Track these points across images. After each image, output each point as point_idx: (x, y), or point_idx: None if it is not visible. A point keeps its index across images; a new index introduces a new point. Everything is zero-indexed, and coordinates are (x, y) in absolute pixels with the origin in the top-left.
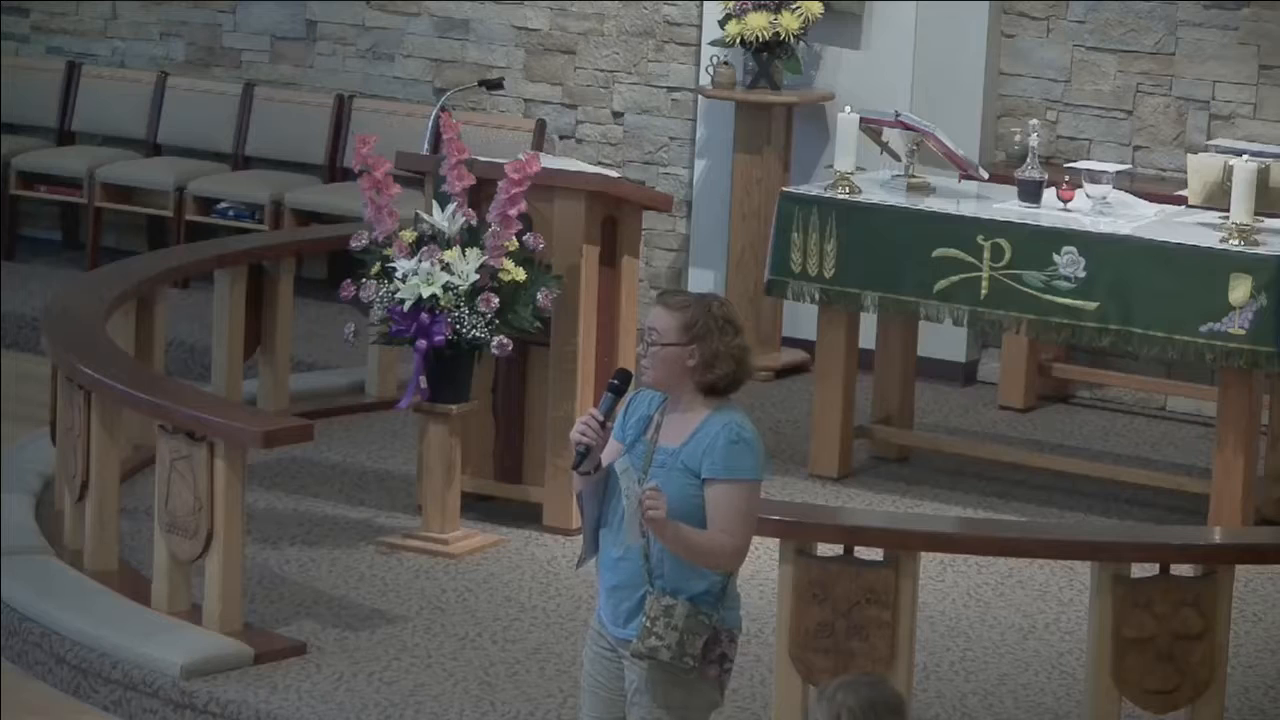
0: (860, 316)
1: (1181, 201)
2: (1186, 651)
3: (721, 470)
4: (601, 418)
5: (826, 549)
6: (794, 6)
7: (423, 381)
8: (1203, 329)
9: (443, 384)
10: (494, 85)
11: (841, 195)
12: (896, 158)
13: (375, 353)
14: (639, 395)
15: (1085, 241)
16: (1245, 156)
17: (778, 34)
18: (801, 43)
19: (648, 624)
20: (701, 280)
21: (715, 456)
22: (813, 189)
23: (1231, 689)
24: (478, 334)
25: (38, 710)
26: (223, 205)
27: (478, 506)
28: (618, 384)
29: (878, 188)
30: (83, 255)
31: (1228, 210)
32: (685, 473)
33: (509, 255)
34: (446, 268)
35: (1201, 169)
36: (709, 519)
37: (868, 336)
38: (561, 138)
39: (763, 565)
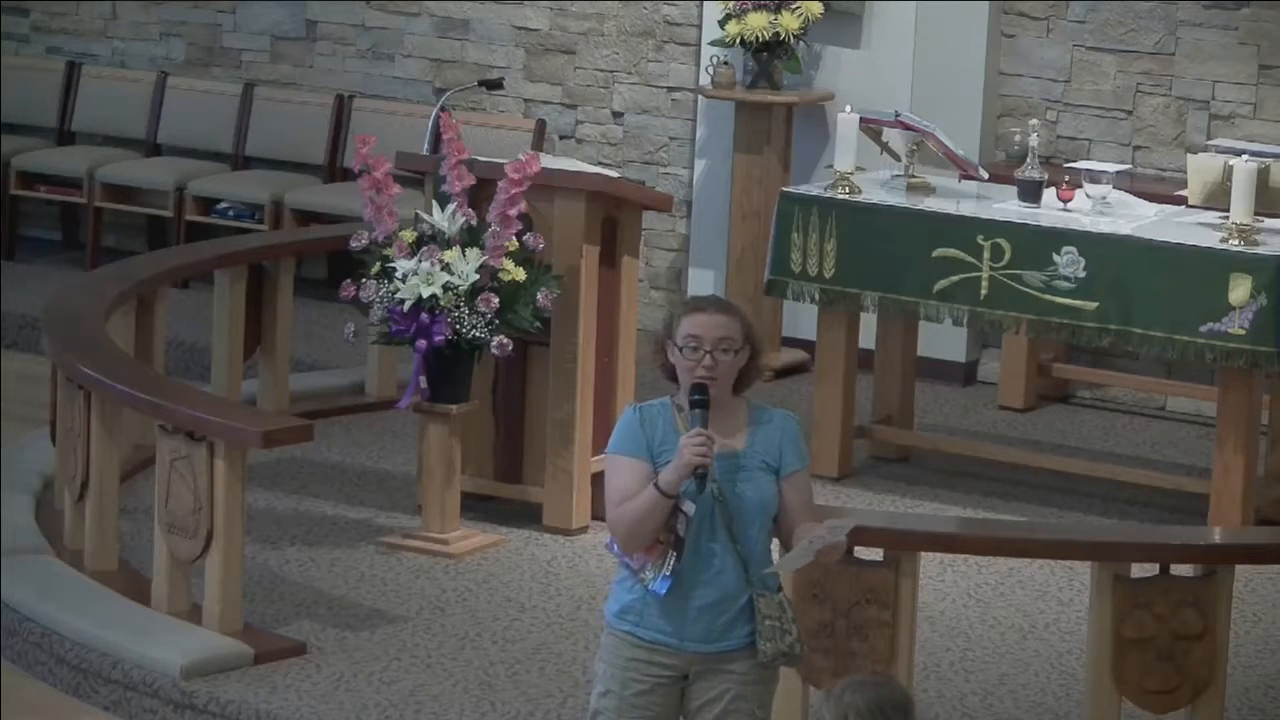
0: (860, 316)
1: (1181, 201)
2: (1186, 651)
3: (800, 460)
4: (711, 434)
5: None
6: (794, 6)
7: (423, 381)
8: (1203, 329)
9: (443, 384)
10: (494, 85)
11: (841, 195)
12: (896, 158)
13: (375, 353)
14: (649, 409)
15: (1085, 241)
16: (1245, 156)
17: (778, 34)
18: (801, 43)
19: (775, 625)
20: (701, 280)
21: (792, 448)
22: (813, 189)
23: (1231, 689)
24: (478, 334)
25: (38, 710)
26: (223, 205)
27: (478, 506)
28: (701, 398)
29: (878, 188)
30: (83, 255)
31: (1228, 210)
32: (766, 471)
33: (509, 255)
34: (446, 268)
35: (1201, 169)
36: (801, 507)
37: (868, 336)
38: (561, 138)
39: None
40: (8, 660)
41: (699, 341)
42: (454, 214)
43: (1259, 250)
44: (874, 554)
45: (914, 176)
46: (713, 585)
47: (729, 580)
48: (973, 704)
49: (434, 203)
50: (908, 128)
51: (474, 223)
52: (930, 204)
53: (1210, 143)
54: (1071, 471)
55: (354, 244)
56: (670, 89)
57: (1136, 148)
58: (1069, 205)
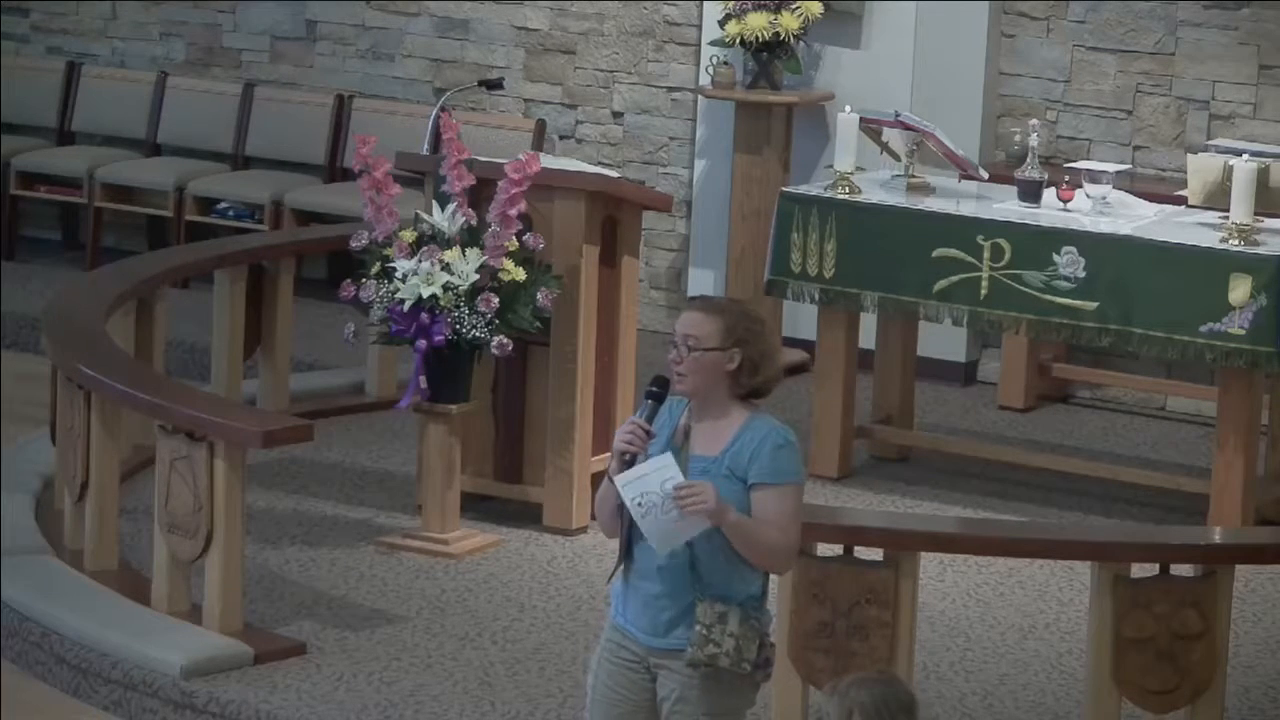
0: (860, 316)
1: (1181, 201)
2: (1186, 651)
3: (770, 475)
4: (647, 425)
5: (826, 549)
6: (794, 6)
7: (423, 381)
8: (1203, 329)
9: (443, 384)
10: (494, 85)
11: (841, 195)
12: (896, 158)
13: (375, 353)
14: (669, 403)
15: (1085, 241)
16: (1245, 156)
17: (778, 34)
18: (801, 43)
19: (704, 632)
20: (701, 280)
21: (763, 462)
22: (813, 189)
23: (1231, 689)
24: (478, 334)
25: (38, 710)
26: (223, 205)
27: (478, 506)
28: (657, 390)
29: (878, 188)
30: (83, 255)
31: (1228, 210)
32: (730, 479)
33: (509, 255)
34: (446, 268)
35: (1201, 169)
36: (759, 521)
37: (868, 336)
38: (561, 138)
39: None
40: (8, 660)
41: (675, 337)
42: (454, 214)
43: (1259, 250)
44: (874, 554)
45: (914, 176)
46: (658, 580)
47: (675, 578)
48: (973, 704)
49: (434, 203)
50: (908, 128)
51: (474, 223)
52: (930, 204)
53: (1210, 143)
54: (1071, 471)
55: (354, 244)
56: (670, 89)
57: (1136, 148)
58: (1069, 205)
